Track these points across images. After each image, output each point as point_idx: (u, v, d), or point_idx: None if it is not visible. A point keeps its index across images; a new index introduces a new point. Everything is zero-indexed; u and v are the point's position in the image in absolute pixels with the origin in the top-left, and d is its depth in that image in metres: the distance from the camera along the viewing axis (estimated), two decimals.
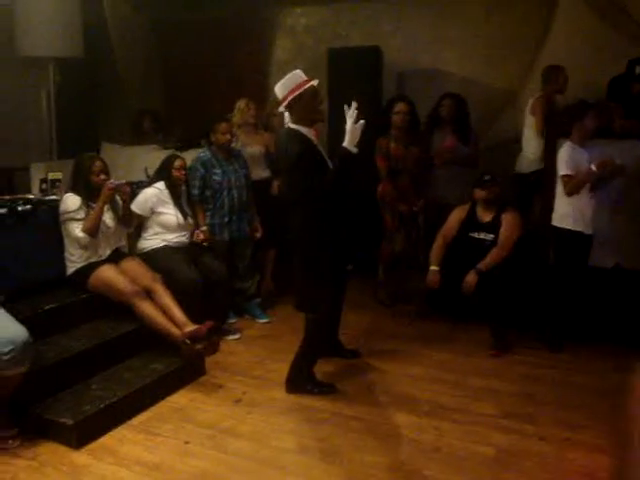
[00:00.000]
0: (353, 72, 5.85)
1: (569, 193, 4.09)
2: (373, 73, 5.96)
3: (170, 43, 6.90)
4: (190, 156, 4.82)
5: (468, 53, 5.88)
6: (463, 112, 5.12)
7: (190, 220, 4.48)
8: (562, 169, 4.12)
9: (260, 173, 5.08)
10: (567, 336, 4.29)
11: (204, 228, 4.60)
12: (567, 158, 4.10)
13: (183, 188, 4.49)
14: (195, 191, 4.62)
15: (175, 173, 4.39)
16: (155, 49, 7.06)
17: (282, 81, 3.43)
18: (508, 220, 4.38)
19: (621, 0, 5.40)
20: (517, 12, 5.74)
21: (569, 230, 4.16)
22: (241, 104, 5.03)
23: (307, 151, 3.40)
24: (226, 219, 4.66)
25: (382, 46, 5.98)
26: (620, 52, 5.04)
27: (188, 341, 3.70)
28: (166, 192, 4.38)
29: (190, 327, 3.72)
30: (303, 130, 3.45)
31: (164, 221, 4.35)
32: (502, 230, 4.36)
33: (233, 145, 4.81)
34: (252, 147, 5.05)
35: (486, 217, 4.47)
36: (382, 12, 6.24)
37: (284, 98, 3.42)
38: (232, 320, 4.78)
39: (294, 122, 3.47)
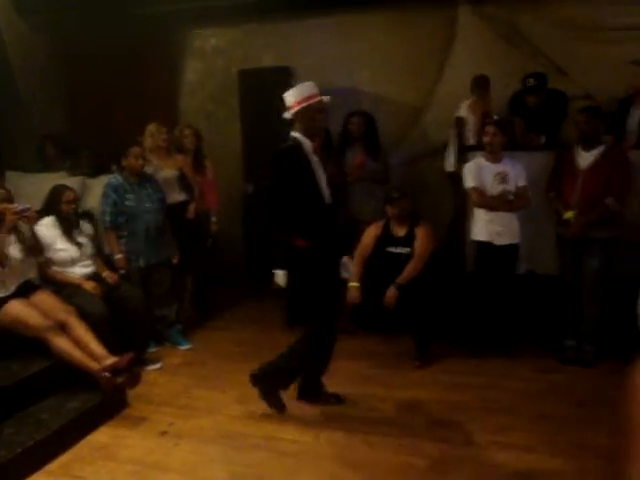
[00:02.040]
0: (265, 93, 5.87)
1: (478, 206, 4.31)
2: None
3: (75, 65, 6.67)
4: (101, 182, 4.66)
5: (377, 71, 6.04)
6: (372, 129, 5.24)
7: (89, 250, 4.30)
8: (468, 182, 4.36)
9: (175, 196, 4.98)
10: (488, 342, 4.44)
11: (119, 256, 4.46)
12: (472, 172, 4.36)
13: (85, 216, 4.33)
14: (107, 218, 4.46)
15: (65, 207, 4.20)
16: (59, 72, 6.80)
17: (294, 89, 3.41)
18: (421, 233, 4.51)
19: (516, 22, 5.75)
20: (421, 31, 5.96)
21: (480, 241, 4.38)
22: (152, 128, 4.93)
23: (292, 164, 3.35)
24: (141, 245, 4.53)
25: (293, 66, 6.04)
26: (520, 69, 5.32)
27: (107, 374, 3.54)
28: (56, 227, 4.18)
29: (109, 360, 3.57)
30: (304, 141, 3.42)
31: (58, 259, 4.17)
32: (417, 243, 4.49)
33: (146, 169, 4.70)
34: (165, 171, 4.95)
35: (400, 232, 4.59)
36: (292, 33, 6.32)
37: (291, 106, 3.38)
38: (153, 349, 4.64)
39: (298, 132, 3.44)
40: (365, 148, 5.21)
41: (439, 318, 4.40)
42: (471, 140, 4.80)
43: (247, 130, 6.12)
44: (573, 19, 5.67)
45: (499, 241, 4.36)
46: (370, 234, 4.66)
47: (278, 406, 3.62)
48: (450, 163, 5.04)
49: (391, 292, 4.30)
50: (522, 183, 4.33)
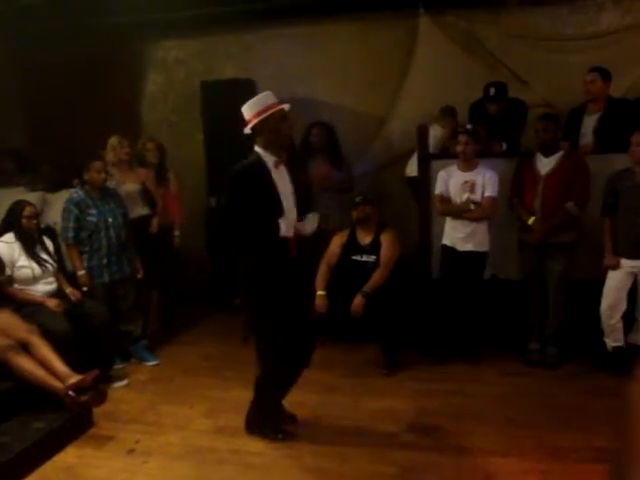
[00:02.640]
0: (227, 105, 5.84)
1: (440, 213, 4.38)
2: None
3: (32, 77, 6.56)
4: (62, 197, 4.59)
5: (338, 82, 6.08)
6: (333, 139, 5.28)
7: (51, 266, 4.22)
8: (435, 189, 4.47)
9: (139, 211, 4.94)
10: (454, 348, 4.49)
11: (82, 272, 4.39)
12: (441, 179, 4.46)
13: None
14: (70, 233, 4.39)
15: (26, 223, 4.12)
16: (15, 84, 6.67)
17: (250, 102, 3.23)
18: (387, 240, 4.55)
19: (476, 32, 5.86)
20: (381, 41, 6.03)
21: (445, 245, 4.45)
22: (114, 141, 4.88)
23: (248, 184, 3.17)
24: (105, 261, 4.47)
25: (255, 78, 6.03)
26: (480, 78, 5.42)
27: (72, 393, 3.47)
28: (17, 244, 4.11)
29: (73, 378, 3.50)
30: (265, 157, 3.25)
31: (20, 276, 4.09)
32: (382, 251, 4.52)
33: (108, 183, 4.64)
34: (128, 185, 4.90)
35: (366, 239, 4.62)
36: (253, 44, 6.33)
37: (249, 120, 3.22)
38: (119, 366, 4.57)
39: (261, 146, 3.27)
40: (328, 158, 5.25)
41: (406, 325, 4.44)
42: (432, 150, 4.86)
43: (210, 142, 6.09)
44: (532, 29, 5.81)
45: (462, 247, 4.41)
46: (336, 243, 4.68)
47: (283, 432, 3.46)
48: (412, 169, 5.10)
49: (358, 300, 4.32)
50: (489, 193, 4.35)
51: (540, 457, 3.15)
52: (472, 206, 4.34)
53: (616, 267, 4.15)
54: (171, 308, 5.45)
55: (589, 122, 4.66)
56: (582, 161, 4.33)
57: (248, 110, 3.24)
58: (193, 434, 3.57)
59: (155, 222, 4.99)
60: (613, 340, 4.23)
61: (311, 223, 3.39)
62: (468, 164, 4.42)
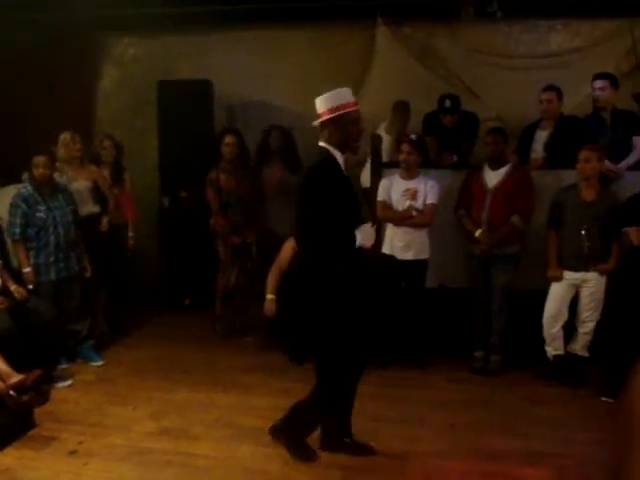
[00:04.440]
0: (184, 105, 5.84)
1: (382, 220, 4.50)
2: (204, 106, 6.00)
3: None
4: (9, 192, 4.49)
5: (295, 86, 6.08)
6: (290, 143, 5.32)
7: None
8: (379, 196, 4.57)
9: (89, 208, 4.85)
10: (399, 354, 4.56)
11: (27, 269, 4.30)
12: (384, 187, 4.56)
13: None
14: (16, 229, 4.30)
15: None
16: None
17: (326, 95, 3.06)
18: None
19: (432, 44, 5.99)
20: (339, 48, 6.10)
21: (385, 254, 4.55)
22: (65, 137, 4.79)
23: (328, 180, 2.98)
24: (52, 258, 4.38)
25: (213, 79, 6.03)
26: (434, 90, 5.53)
27: (13, 393, 3.40)
28: None
29: (15, 378, 3.44)
30: (335, 153, 3.06)
31: None
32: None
33: (59, 180, 4.55)
34: (79, 182, 4.82)
35: None
36: (212, 45, 6.31)
37: (321, 113, 3.06)
38: (63, 365, 4.49)
39: (327, 142, 3.08)
40: (284, 162, 5.28)
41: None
42: (385, 158, 4.94)
43: (164, 142, 6.04)
44: (487, 45, 5.98)
45: (402, 256, 4.49)
46: (288, 247, 4.70)
47: (306, 456, 3.25)
48: (366, 179, 5.16)
49: None
50: (430, 201, 4.44)
51: (480, 460, 3.23)
52: (414, 212, 4.43)
53: (559, 279, 4.30)
54: (120, 308, 5.37)
55: (541, 137, 4.82)
56: (528, 175, 4.48)
57: (322, 103, 3.07)
58: (137, 436, 3.54)
59: (105, 220, 4.92)
60: (554, 349, 4.37)
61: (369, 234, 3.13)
62: (410, 173, 4.51)
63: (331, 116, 3.01)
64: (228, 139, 5.08)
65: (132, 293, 5.56)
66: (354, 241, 3.00)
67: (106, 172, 5.10)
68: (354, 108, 3.06)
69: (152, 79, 6.13)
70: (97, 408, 3.90)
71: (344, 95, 3.07)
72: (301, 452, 3.25)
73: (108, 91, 6.73)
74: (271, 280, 4.62)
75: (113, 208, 5.02)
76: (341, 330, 3.04)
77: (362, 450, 3.30)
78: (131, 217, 5.31)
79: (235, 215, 5.08)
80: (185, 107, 5.84)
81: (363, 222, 3.11)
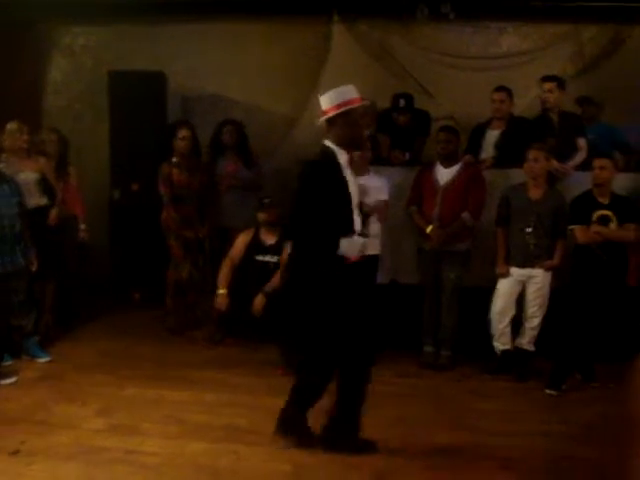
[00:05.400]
0: (136, 96, 5.74)
1: None
2: (157, 98, 5.91)
3: None
4: None
5: (251, 80, 6.09)
6: (243, 138, 5.32)
7: None
8: None
9: (36, 201, 4.72)
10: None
11: None
12: None
13: None
14: None
15: None
16: None
17: (330, 92, 3.03)
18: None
19: (387, 43, 6.04)
20: (295, 43, 6.11)
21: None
22: (12, 127, 4.65)
23: (321, 179, 2.96)
24: None
25: (167, 71, 5.94)
26: (388, 88, 5.59)
27: None
28: None
29: None
30: (338, 153, 3.04)
31: None
32: (285, 252, 4.54)
33: (4, 171, 4.41)
34: (26, 173, 4.68)
35: (270, 240, 4.65)
36: (166, 36, 6.21)
37: (327, 111, 3.02)
38: (7, 362, 4.35)
39: (333, 141, 3.05)
40: (237, 157, 5.29)
41: (305, 326, 4.49)
42: None
43: (116, 134, 5.91)
44: (440, 45, 6.09)
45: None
46: (241, 241, 4.69)
47: (307, 438, 3.25)
48: None
49: (258, 299, 4.35)
50: (381, 197, 4.49)
51: (429, 454, 3.28)
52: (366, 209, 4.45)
53: (506, 275, 4.41)
54: (69, 302, 5.25)
55: (491, 137, 4.93)
56: (479, 173, 4.57)
57: (327, 100, 3.04)
58: (85, 433, 3.45)
59: (54, 213, 4.80)
60: (501, 344, 4.48)
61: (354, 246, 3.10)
62: (361, 170, 4.54)
63: (338, 112, 2.99)
64: (182, 132, 5.03)
65: (81, 287, 5.43)
66: (335, 248, 2.99)
67: (51, 165, 4.97)
68: (360, 103, 3.05)
69: (103, 70, 6.00)
70: (42, 406, 3.79)
71: (349, 91, 3.05)
72: (302, 436, 3.25)
73: (57, 81, 6.56)
74: (223, 275, 4.60)
75: (60, 202, 4.89)
76: (331, 327, 3.07)
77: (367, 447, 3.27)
78: (79, 211, 5.19)
79: (187, 209, 5.04)
80: (138, 99, 5.75)
81: (351, 229, 3.08)
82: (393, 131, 5.17)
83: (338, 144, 3.04)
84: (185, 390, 4.03)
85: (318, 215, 2.93)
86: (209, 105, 6.07)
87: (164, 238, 5.09)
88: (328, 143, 3.06)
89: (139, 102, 5.73)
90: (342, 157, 3.05)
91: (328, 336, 3.10)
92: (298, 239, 3.05)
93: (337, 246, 2.99)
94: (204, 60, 6.13)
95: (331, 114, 3.01)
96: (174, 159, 5.03)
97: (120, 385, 4.08)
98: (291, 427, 3.26)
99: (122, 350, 4.74)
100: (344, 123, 3.01)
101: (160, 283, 5.21)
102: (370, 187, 4.49)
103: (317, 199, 2.94)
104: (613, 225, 4.20)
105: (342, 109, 2.98)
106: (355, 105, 3.01)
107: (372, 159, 4.57)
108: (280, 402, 3.81)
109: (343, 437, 3.23)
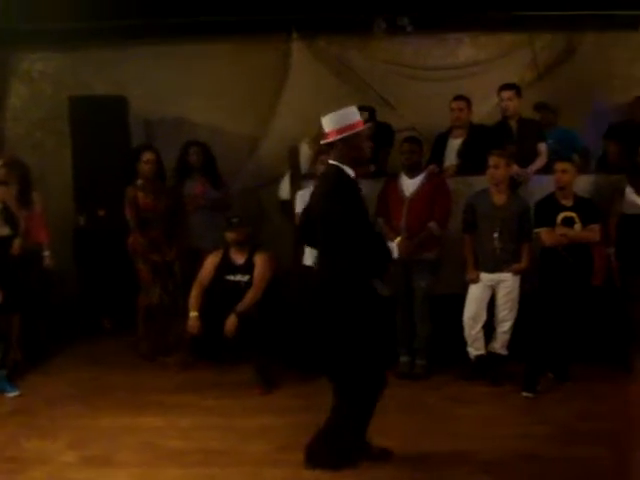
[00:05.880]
0: (98, 121, 5.69)
1: None
2: (120, 122, 5.86)
3: None
4: None
5: (213, 101, 6.09)
6: (209, 158, 5.32)
7: None
8: (297, 207, 4.59)
9: None
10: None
11: None
12: (302, 198, 4.53)
13: None
14: None
15: None
16: None
17: (333, 115, 3.05)
18: (260, 261, 4.58)
19: (346, 57, 6.11)
20: (255, 62, 6.13)
21: (306, 266, 4.54)
22: None
23: (352, 200, 3.00)
24: None
25: (128, 94, 5.91)
26: (350, 102, 5.60)
27: None
28: None
29: None
30: (348, 170, 3.06)
31: None
32: (256, 271, 4.54)
33: None
34: None
35: (239, 259, 4.62)
36: (126, 60, 6.17)
37: (329, 134, 3.05)
38: None
39: (338, 160, 3.07)
40: (205, 178, 5.29)
41: (280, 344, 4.47)
42: (304, 170, 4.99)
43: (79, 160, 5.84)
44: (399, 57, 6.18)
45: None
46: (210, 262, 4.65)
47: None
48: (285, 191, 5.20)
49: (230, 320, 4.31)
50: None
51: (410, 463, 3.28)
52: None
53: (476, 281, 4.45)
54: (36, 334, 5.13)
55: (453, 146, 5.00)
56: (443, 182, 4.62)
57: (330, 124, 3.06)
58: (58, 467, 3.36)
59: (17, 243, 4.70)
60: (475, 349, 4.51)
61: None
62: None
63: (340, 137, 3.02)
64: (147, 156, 5.00)
65: (48, 317, 5.32)
66: (388, 254, 3.12)
67: (12, 193, 4.87)
68: (362, 127, 3.08)
69: (63, 95, 5.94)
70: (13, 441, 3.68)
71: (351, 114, 3.07)
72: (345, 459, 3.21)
73: (16, 107, 6.46)
74: (194, 297, 4.55)
75: (24, 232, 4.80)
76: (363, 347, 3.07)
77: (380, 455, 3.30)
78: (44, 238, 5.09)
79: (154, 232, 4.98)
80: (100, 123, 5.69)
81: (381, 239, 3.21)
82: None
83: (342, 162, 3.07)
84: (159, 416, 3.96)
85: (359, 229, 2.97)
86: (172, 128, 6.05)
87: (132, 263, 5.02)
88: (334, 162, 3.09)
89: (101, 127, 5.67)
90: (350, 173, 3.08)
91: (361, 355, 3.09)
92: (345, 259, 3.01)
93: (388, 254, 3.10)
94: (165, 83, 6.12)
95: (333, 139, 3.04)
96: (139, 183, 4.98)
97: (93, 415, 3.99)
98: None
99: (93, 379, 4.64)
100: (347, 146, 3.04)
101: (130, 309, 5.13)
102: None
103: (353, 215, 2.98)
104: (577, 226, 4.28)
105: (345, 134, 3.01)
106: (357, 130, 3.04)
107: None
108: (254, 422, 3.80)
109: (327, 452, 3.21)
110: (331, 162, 3.11)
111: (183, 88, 6.08)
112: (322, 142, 3.15)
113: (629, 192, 4.48)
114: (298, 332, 4.56)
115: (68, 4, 5.25)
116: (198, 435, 3.66)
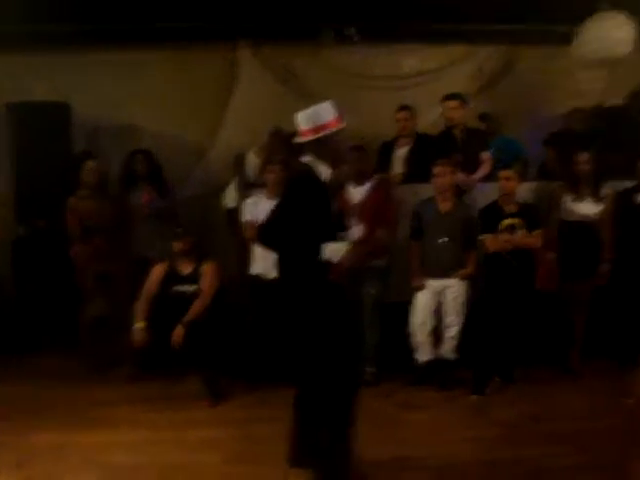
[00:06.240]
0: (39, 128, 5.52)
1: (250, 239, 4.53)
2: (61, 130, 5.72)
3: None
4: None
5: (159, 109, 5.99)
6: (156, 167, 5.25)
7: None
8: (245, 216, 4.62)
9: None
10: (275, 373, 4.52)
11: None
12: (249, 206, 4.60)
13: None
14: None
15: None
16: None
17: (308, 112, 2.95)
18: (207, 271, 4.53)
19: (293, 66, 6.13)
20: (203, 70, 6.08)
21: (253, 275, 4.57)
22: None
23: (314, 203, 2.88)
24: None
25: (71, 101, 5.77)
26: (297, 111, 5.63)
27: None
28: None
29: None
30: (320, 168, 2.96)
31: None
32: (203, 281, 4.49)
33: None
34: None
35: (186, 269, 4.56)
36: (68, 66, 6.00)
37: (303, 133, 2.94)
38: None
39: (313, 157, 2.97)
40: (151, 186, 5.20)
41: (228, 354, 4.42)
42: (251, 179, 4.98)
43: (19, 168, 5.65)
44: (346, 66, 6.24)
45: (270, 274, 4.50)
46: (157, 272, 4.57)
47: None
48: (230, 199, 5.17)
49: (178, 331, 4.24)
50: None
51: (360, 469, 3.26)
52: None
53: (422, 288, 4.52)
54: None
55: (399, 155, 5.07)
56: (390, 190, 4.67)
57: (304, 122, 2.96)
58: None
59: None
60: (423, 355, 4.56)
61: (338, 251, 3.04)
62: (276, 192, 4.56)
63: (314, 137, 2.93)
64: (89, 164, 4.91)
65: None
66: (318, 253, 2.92)
67: None
68: (338, 126, 2.97)
69: (1, 101, 5.74)
70: None
71: (326, 112, 2.97)
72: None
73: None
74: (140, 308, 4.46)
75: None
76: (332, 352, 2.95)
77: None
78: None
79: (98, 242, 4.86)
80: (40, 131, 5.53)
81: (333, 236, 3.01)
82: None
83: (320, 160, 2.99)
84: (104, 432, 3.84)
85: (302, 226, 2.86)
86: (116, 135, 5.92)
87: (75, 274, 4.89)
88: (308, 159, 3.00)
89: (42, 134, 5.51)
90: (324, 172, 2.99)
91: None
92: (283, 249, 2.98)
93: (318, 253, 2.93)
94: (110, 89, 5.98)
95: (307, 138, 2.96)
96: (82, 192, 4.87)
97: (36, 433, 3.82)
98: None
99: (36, 395, 4.45)
100: (322, 145, 2.95)
101: (74, 321, 4.98)
102: None
103: (303, 211, 2.87)
104: (520, 232, 4.40)
105: (320, 134, 2.93)
106: (332, 128, 2.95)
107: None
108: (204, 435, 3.74)
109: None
110: (305, 159, 3.01)
111: (128, 95, 5.97)
112: (296, 140, 3.04)
113: (567, 199, 4.63)
114: (248, 341, 4.55)
115: (7, 7, 5.09)
116: (146, 449, 3.57)
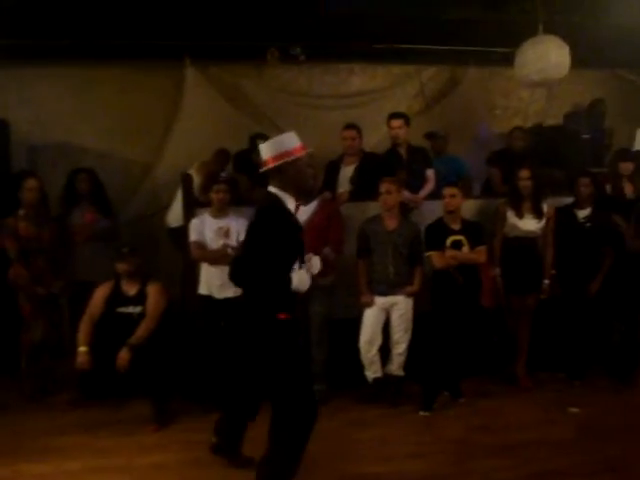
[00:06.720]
0: None
1: (197, 260, 4.52)
2: (0, 147, 5.53)
3: None
4: None
5: (103, 127, 5.90)
6: (98, 186, 5.14)
7: None
8: (191, 236, 4.54)
9: None
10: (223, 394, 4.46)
11: None
12: (195, 227, 4.55)
13: None
14: None
15: None
16: None
17: (271, 141, 2.98)
18: (153, 291, 4.45)
19: (240, 85, 6.14)
20: (148, 87, 6.03)
21: (202, 295, 4.53)
22: None
23: (279, 232, 2.90)
24: None
25: (10, 118, 5.62)
26: (244, 129, 5.66)
27: None
28: None
29: None
30: (285, 198, 2.98)
31: None
32: (148, 302, 4.41)
33: None
34: None
35: (131, 290, 4.47)
36: (9, 81, 5.84)
37: (267, 161, 2.95)
38: None
39: (278, 187, 2.98)
40: (94, 206, 5.08)
41: (175, 377, 4.33)
42: (196, 197, 4.93)
43: None
44: (292, 85, 6.29)
45: (220, 295, 4.48)
46: (100, 294, 4.46)
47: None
48: (175, 218, 5.10)
49: (123, 354, 4.13)
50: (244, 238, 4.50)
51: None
52: (229, 250, 4.45)
53: (371, 304, 4.54)
54: None
55: (346, 173, 5.11)
56: (336, 208, 4.70)
57: (267, 150, 2.99)
58: None
59: None
60: (372, 372, 4.58)
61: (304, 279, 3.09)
62: (221, 211, 4.57)
63: (276, 165, 2.96)
64: (29, 183, 4.72)
65: None
66: (289, 285, 2.97)
67: None
68: (301, 154, 3.00)
69: None
70: None
71: (289, 141, 3.00)
72: None
73: None
74: (83, 331, 4.33)
75: None
76: (294, 380, 3.02)
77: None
78: None
79: (37, 264, 4.70)
80: None
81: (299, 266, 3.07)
82: (251, 170, 5.20)
83: (283, 190, 3.01)
84: (46, 461, 3.70)
85: (273, 260, 2.88)
86: (57, 153, 5.78)
87: (14, 297, 4.71)
88: (273, 189, 3.02)
89: None
90: (289, 202, 3.02)
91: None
92: (251, 281, 2.99)
93: (289, 285, 2.97)
94: (51, 106, 5.86)
95: (271, 165, 2.98)
96: (21, 212, 4.71)
97: None
98: None
99: None
100: (287, 174, 2.98)
101: (13, 347, 4.79)
102: (231, 228, 4.50)
103: (270, 243, 2.88)
104: (465, 249, 4.49)
105: (283, 160, 2.96)
106: (297, 155, 2.98)
107: (233, 200, 4.57)
108: (152, 460, 3.66)
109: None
110: (270, 189, 3.04)
111: (70, 112, 5.86)
112: (261, 170, 3.08)
113: (510, 215, 4.76)
114: (197, 362, 4.47)
115: None
116: (92, 478, 3.45)
